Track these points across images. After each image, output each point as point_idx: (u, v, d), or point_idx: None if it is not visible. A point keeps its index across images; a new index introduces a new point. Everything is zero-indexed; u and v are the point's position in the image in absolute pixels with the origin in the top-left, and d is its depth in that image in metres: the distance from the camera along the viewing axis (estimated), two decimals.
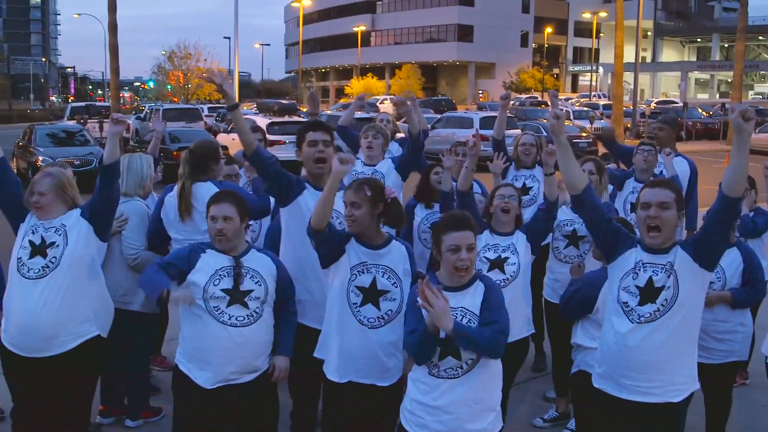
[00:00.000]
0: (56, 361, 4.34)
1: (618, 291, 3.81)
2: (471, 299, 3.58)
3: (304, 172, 4.78)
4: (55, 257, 4.34)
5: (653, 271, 3.72)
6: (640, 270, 3.75)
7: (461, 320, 3.50)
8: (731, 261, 4.98)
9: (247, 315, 4.02)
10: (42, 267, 4.32)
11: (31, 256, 4.34)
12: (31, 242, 4.37)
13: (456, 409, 3.47)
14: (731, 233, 4.77)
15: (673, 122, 7.18)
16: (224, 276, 4.02)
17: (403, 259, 4.14)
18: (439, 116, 30.18)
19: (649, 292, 3.71)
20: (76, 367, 4.41)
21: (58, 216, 4.44)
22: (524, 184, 6.60)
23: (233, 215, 4.05)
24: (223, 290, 3.98)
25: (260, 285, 4.08)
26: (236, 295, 4.00)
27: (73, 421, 4.54)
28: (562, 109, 4.24)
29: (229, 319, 3.97)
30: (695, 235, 3.80)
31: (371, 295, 4.01)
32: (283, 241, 4.66)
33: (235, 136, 22.81)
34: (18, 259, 4.36)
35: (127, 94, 73.80)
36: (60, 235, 4.39)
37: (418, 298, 3.37)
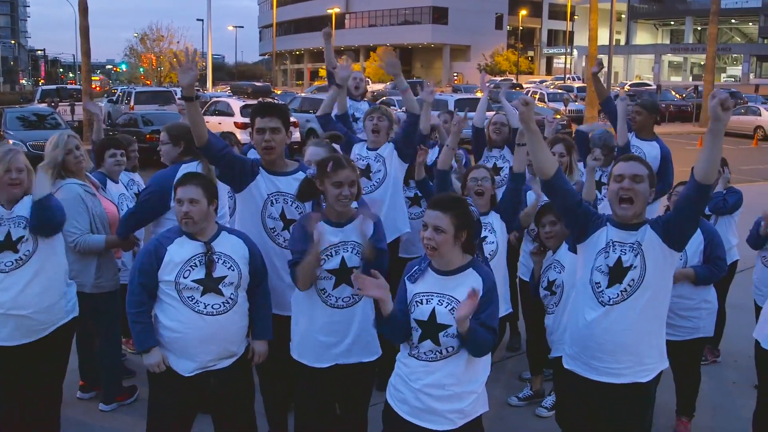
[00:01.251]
0: (33, 347, 4.36)
1: (591, 271, 3.81)
2: (463, 289, 3.44)
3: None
4: (28, 250, 4.35)
5: (621, 251, 3.73)
6: (611, 249, 3.76)
7: (445, 306, 3.48)
8: (692, 240, 5.02)
9: (223, 302, 3.96)
10: (15, 260, 4.32)
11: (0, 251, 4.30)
12: None
13: (433, 391, 3.49)
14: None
15: (652, 107, 7.06)
16: (195, 266, 3.94)
17: (370, 231, 4.08)
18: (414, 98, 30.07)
19: (617, 272, 3.72)
20: (52, 350, 4.45)
21: (13, 204, 4.37)
22: (495, 164, 6.64)
23: (200, 198, 3.96)
24: (194, 281, 3.92)
25: (233, 270, 4.01)
26: (209, 284, 3.94)
27: (50, 402, 4.61)
28: (532, 96, 4.18)
29: (205, 308, 3.92)
30: (666, 215, 3.80)
31: (343, 275, 3.99)
32: (237, 226, 4.59)
33: (208, 118, 22.76)
34: None
35: (98, 77, 73.23)
36: (24, 228, 4.35)
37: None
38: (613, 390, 3.76)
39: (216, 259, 3.97)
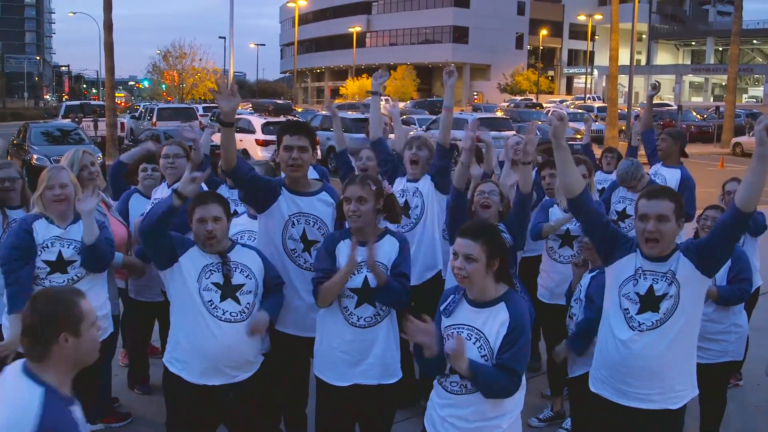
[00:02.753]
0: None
1: (619, 297, 3.76)
2: (490, 325, 3.42)
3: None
4: (79, 274, 4.49)
5: (653, 279, 3.67)
6: (640, 277, 3.69)
7: (474, 342, 3.40)
8: None
9: (240, 311, 3.97)
10: (66, 280, 4.41)
11: (51, 272, 4.38)
12: (46, 262, 4.39)
13: (456, 422, 3.46)
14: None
15: (678, 134, 7.11)
16: (213, 272, 3.97)
17: (395, 253, 4.07)
18: (434, 117, 30.24)
19: (649, 301, 3.66)
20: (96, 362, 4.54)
21: (68, 223, 4.47)
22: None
23: (221, 215, 3.99)
24: (214, 283, 3.94)
25: (251, 279, 4.04)
26: (228, 290, 3.96)
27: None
28: (564, 112, 4.10)
29: (223, 314, 3.93)
30: (699, 241, 3.74)
31: (365, 295, 3.98)
32: (259, 246, 4.54)
33: None
34: (35, 276, 4.36)
35: (122, 94, 74.44)
36: (79, 252, 4.47)
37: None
38: (641, 416, 3.70)
39: (233, 268, 4.00)
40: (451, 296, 3.60)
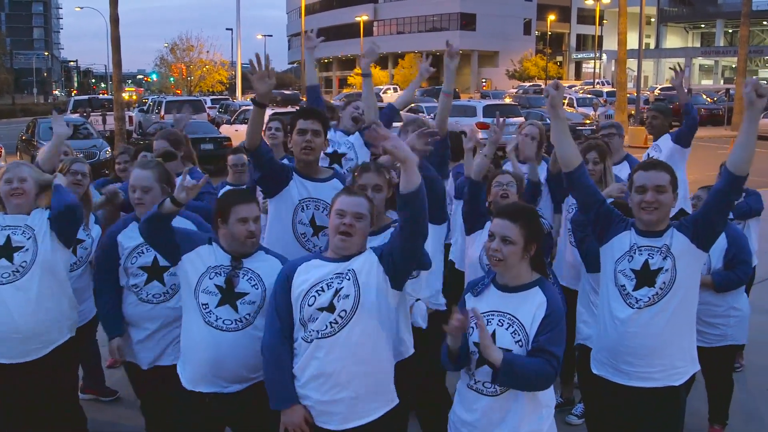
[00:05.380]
0: (34, 366, 4.22)
1: (614, 274, 3.76)
2: (526, 309, 3.29)
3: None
4: (25, 261, 4.18)
5: (649, 254, 3.67)
6: (635, 253, 3.70)
7: (506, 328, 3.27)
8: (717, 244, 4.87)
9: (236, 320, 3.70)
10: (12, 272, 4.15)
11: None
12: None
13: (493, 430, 3.30)
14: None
15: (667, 110, 7.35)
16: (220, 274, 3.77)
17: None
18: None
19: (645, 276, 3.66)
20: (53, 369, 4.31)
21: (25, 213, 4.30)
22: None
23: (258, 213, 3.88)
24: (216, 286, 3.74)
25: (257, 288, 3.77)
26: (229, 296, 3.73)
27: (68, 418, 4.54)
28: (558, 81, 3.92)
29: (216, 320, 3.70)
30: (693, 215, 3.76)
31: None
32: (267, 231, 4.55)
33: (238, 127, 22.88)
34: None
35: (132, 88, 74.80)
36: (29, 238, 4.22)
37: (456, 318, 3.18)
38: (645, 395, 3.70)
39: (241, 275, 3.78)
40: (479, 282, 3.49)
